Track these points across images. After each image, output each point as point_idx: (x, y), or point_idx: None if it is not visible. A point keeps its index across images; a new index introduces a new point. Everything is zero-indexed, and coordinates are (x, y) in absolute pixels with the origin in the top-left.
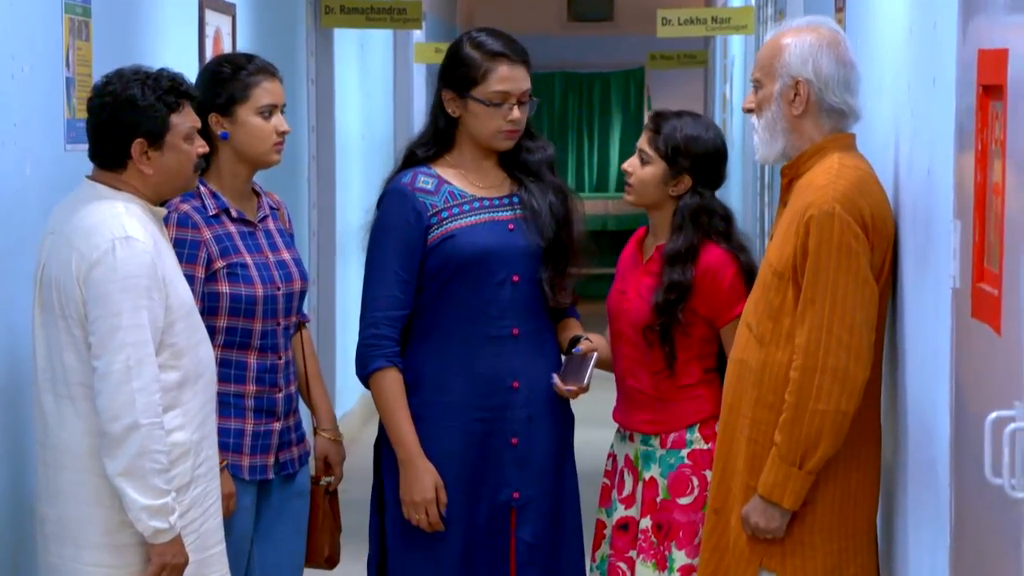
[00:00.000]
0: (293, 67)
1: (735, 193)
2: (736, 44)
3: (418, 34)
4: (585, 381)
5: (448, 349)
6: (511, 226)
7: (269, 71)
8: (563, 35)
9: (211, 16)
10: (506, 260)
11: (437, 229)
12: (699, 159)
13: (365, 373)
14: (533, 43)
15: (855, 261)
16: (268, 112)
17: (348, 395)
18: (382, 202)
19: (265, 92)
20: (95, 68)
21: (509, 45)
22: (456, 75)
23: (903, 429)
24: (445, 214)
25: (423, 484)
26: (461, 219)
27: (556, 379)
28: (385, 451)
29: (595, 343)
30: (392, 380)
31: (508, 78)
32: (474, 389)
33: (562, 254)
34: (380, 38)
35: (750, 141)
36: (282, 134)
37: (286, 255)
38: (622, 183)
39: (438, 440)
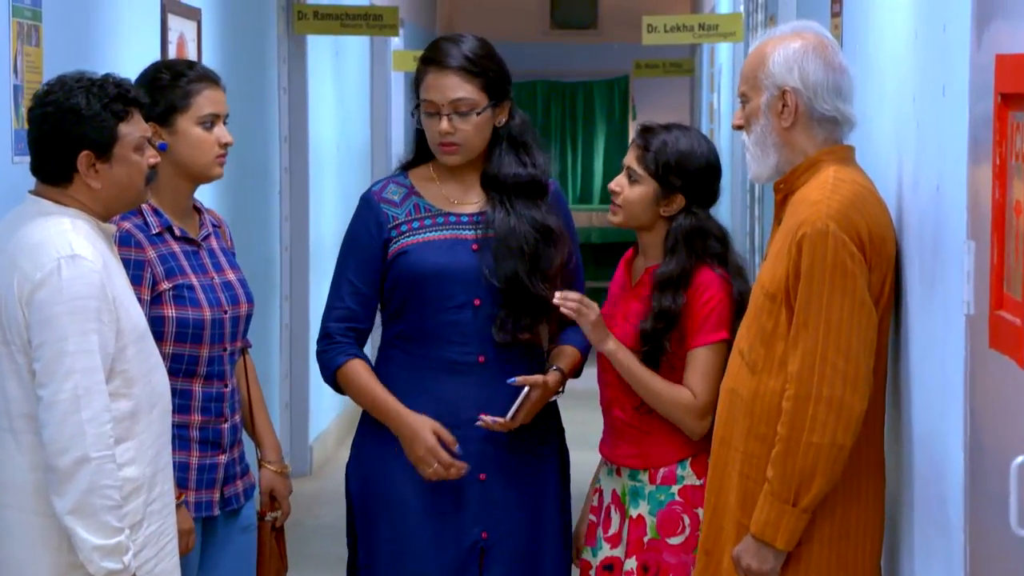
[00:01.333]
0: (264, 75)
1: (723, 208)
2: (724, 52)
3: (396, 41)
4: (508, 415)
5: (410, 372)
6: (475, 246)
7: (211, 78)
8: (545, 42)
9: (174, 21)
10: (465, 282)
11: (395, 243)
12: (692, 177)
13: (331, 373)
14: (515, 50)
15: (851, 282)
16: (210, 122)
17: (322, 416)
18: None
19: (207, 101)
20: (46, 75)
21: (442, 50)
22: (415, 90)
23: (909, 464)
24: (404, 227)
25: (420, 436)
26: (418, 234)
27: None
28: (354, 487)
29: (536, 378)
30: (360, 366)
31: (432, 86)
32: (436, 418)
33: (521, 294)
34: (356, 45)
35: (739, 152)
36: (225, 146)
37: (231, 275)
38: (607, 195)
39: (400, 473)
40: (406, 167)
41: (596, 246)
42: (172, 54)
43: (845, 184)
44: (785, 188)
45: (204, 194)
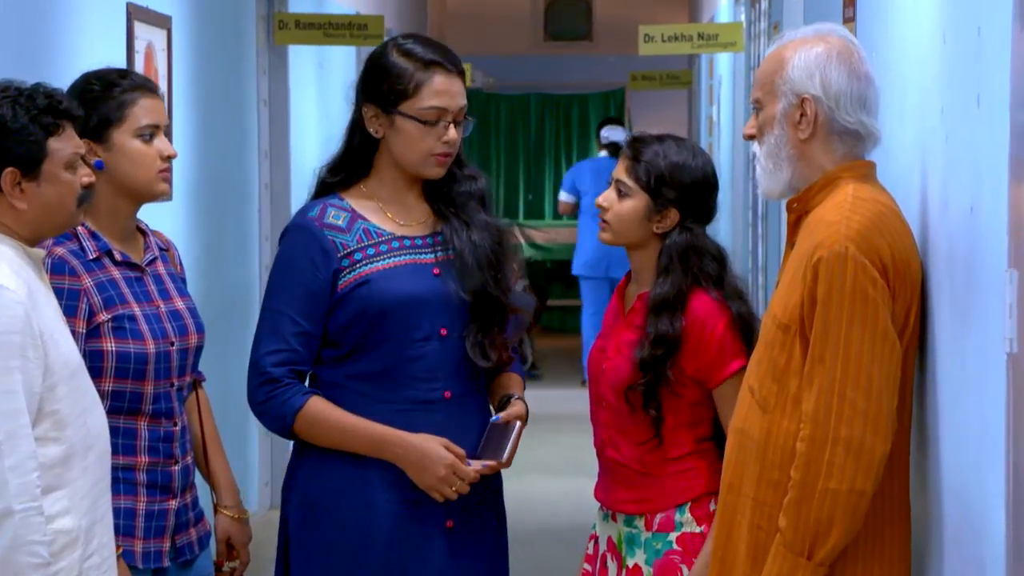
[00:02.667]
0: (242, 87)
1: (723, 226)
2: (724, 63)
3: None
4: (505, 456)
5: (369, 417)
6: (436, 271)
7: (147, 87)
8: (539, 54)
9: (142, 29)
10: (432, 311)
11: (348, 273)
12: (687, 190)
13: (290, 417)
14: (508, 63)
15: (872, 311)
16: (149, 134)
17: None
18: (284, 239)
19: (144, 111)
20: None
21: (444, 53)
22: (381, 87)
23: (938, 518)
24: (359, 255)
25: (434, 455)
26: (377, 261)
27: (471, 461)
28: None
29: (519, 410)
30: (322, 403)
31: (444, 91)
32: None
33: (491, 308)
34: (341, 56)
35: (740, 167)
36: (168, 159)
37: (179, 304)
38: None
39: (359, 527)
40: (336, 187)
41: None
42: (139, 65)
43: (865, 203)
44: (799, 208)
45: (176, 214)
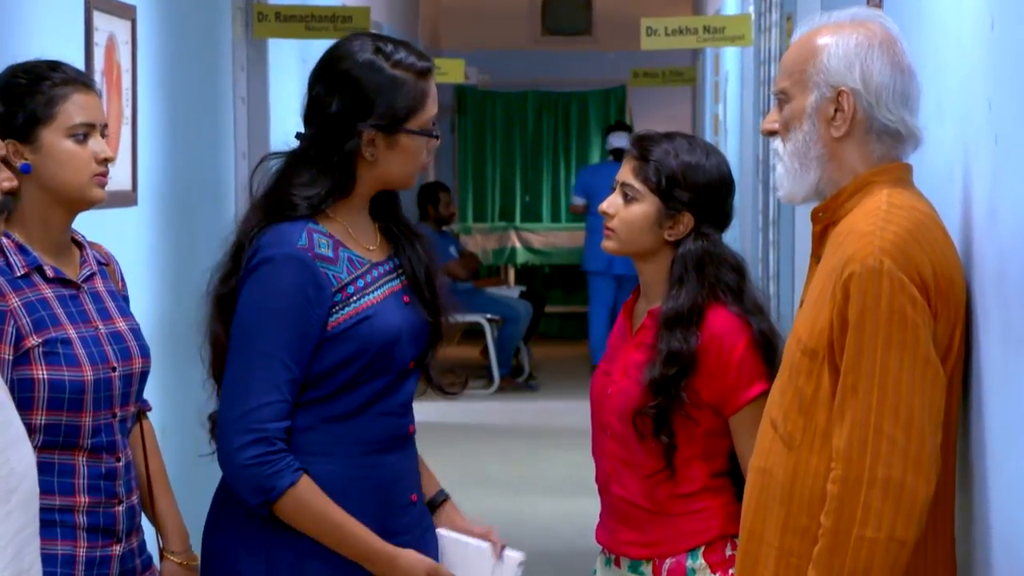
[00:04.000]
0: (217, 84)
1: (731, 231)
2: (731, 58)
3: None
4: None
5: (339, 463)
6: (406, 298)
7: (82, 81)
8: (537, 50)
9: (102, 20)
10: (407, 342)
11: (343, 309)
12: (701, 191)
13: (277, 494)
14: (504, 58)
15: (912, 334)
16: (83, 134)
17: None
18: (267, 268)
19: (77, 108)
20: None
21: (424, 55)
22: (388, 108)
23: (987, 570)
24: (351, 289)
25: None
26: (369, 294)
27: None
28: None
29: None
30: (312, 486)
31: (435, 95)
32: (375, 508)
33: (438, 327)
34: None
35: (749, 169)
36: (104, 162)
37: (121, 325)
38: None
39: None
40: (311, 214)
41: None
42: (99, 60)
43: (901, 211)
44: (826, 217)
45: (142, 220)
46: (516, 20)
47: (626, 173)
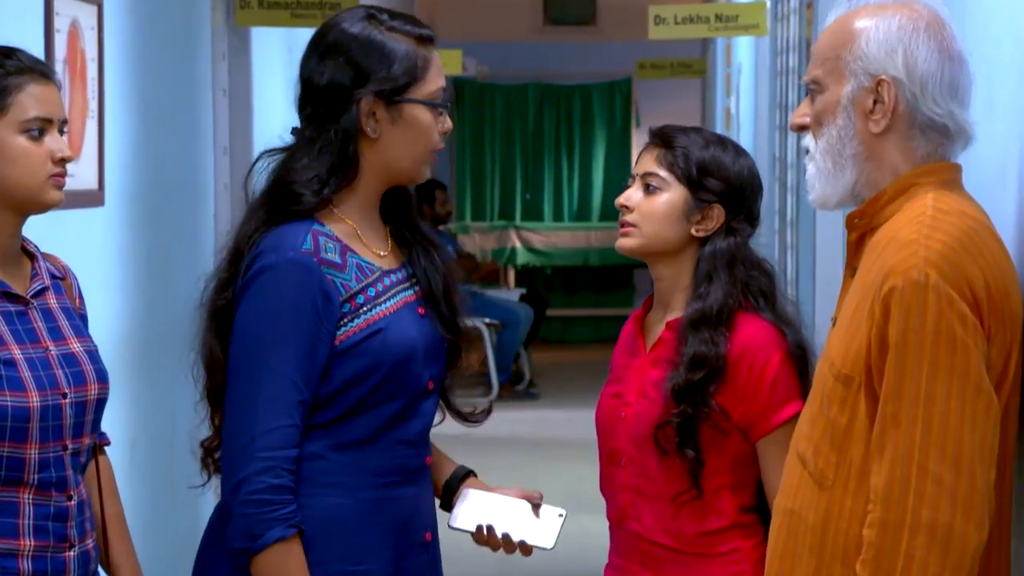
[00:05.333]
0: (194, 75)
1: None
2: (743, 49)
3: None
4: (552, 543)
5: (350, 497)
6: (421, 310)
7: (39, 71)
8: (539, 40)
9: (64, 4)
10: (425, 359)
11: (353, 321)
12: (733, 185)
13: (257, 544)
14: (504, 49)
15: (962, 357)
16: (38, 130)
17: None
18: (269, 276)
19: (33, 101)
20: None
21: (424, 24)
22: (384, 73)
23: None
24: (361, 298)
25: None
26: (380, 304)
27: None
28: None
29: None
30: (296, 557)
31: (442, 68)
32: (387, 547)
33: (458, 343)
34: None
35: (763, 166)
36: (62, 161)
37: (75, 346)
38: (607, 210)
39: None
40: (311, 209)
41: (594, 269)
42: (60, 48)
43: (949, 217)
44: (863, 223)
45: (110, 222)
46: (516, 9)
47: (647, 163)
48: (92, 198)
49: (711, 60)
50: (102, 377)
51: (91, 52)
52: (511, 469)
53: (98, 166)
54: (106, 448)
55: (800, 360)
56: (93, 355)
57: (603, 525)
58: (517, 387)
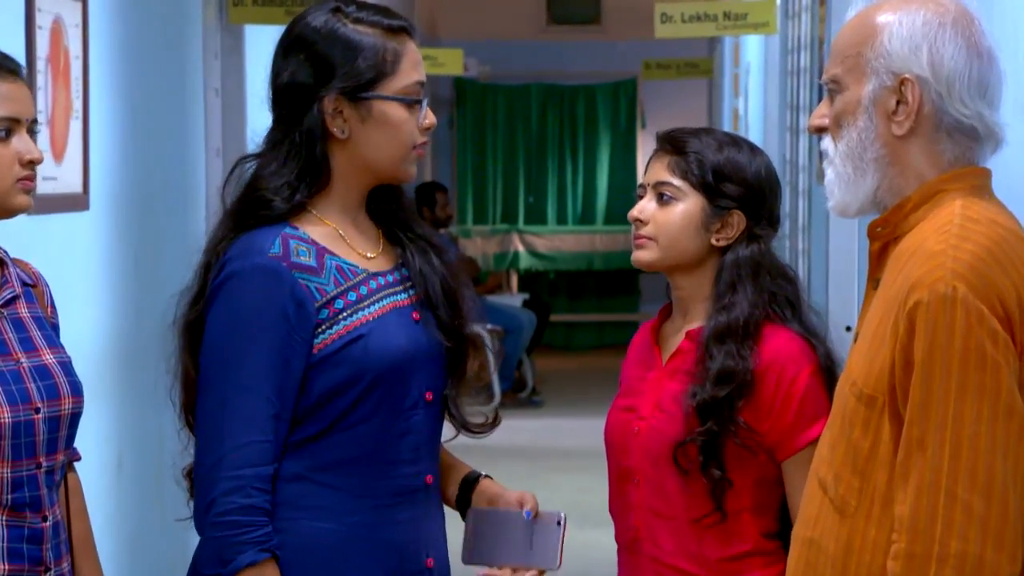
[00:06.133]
0: (185, 74)
1: None
2: (752, 48)
3: None
4: (558, 562)
5: (342, 519)
6: (416, 315)
7: (6, 68)
8: (542, 40)
9: (46, 0)
10: (420, 369)
11: (330, 328)
12: (752, 186)
13: (227, 570)
14: (506, 49)
15: (992, 377)
16: (5, 131)
17: None
18: (235, 283)
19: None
20: None
21: (399, 15)
22: (348, 69)
23: None
24: (339, 303)
25: None
26: (362, 309)
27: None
28: None
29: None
30: (272, 571)
31: (419, 62)
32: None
33: (461, 353)
34: None
35: (777, 167)
36: (30, 164)
37: (48, 358)
38: (611, 213)
39: None
40: (287, 213)
41: (599, 274)
42: (42, 45)
43: (979, 226)
44: (886, 232)
45: (96, 226)
46: (519, 7)
47: (659, 171)
48: (76, 202)
49: (718, 60)
50: (76, 390)
51: (75, 50)
52: (512, 480)
53: (83, 168)
54: (88, 465)
55: (830, 374)
56: (67, 367)
57: (609, 539)
58: (520, 395)
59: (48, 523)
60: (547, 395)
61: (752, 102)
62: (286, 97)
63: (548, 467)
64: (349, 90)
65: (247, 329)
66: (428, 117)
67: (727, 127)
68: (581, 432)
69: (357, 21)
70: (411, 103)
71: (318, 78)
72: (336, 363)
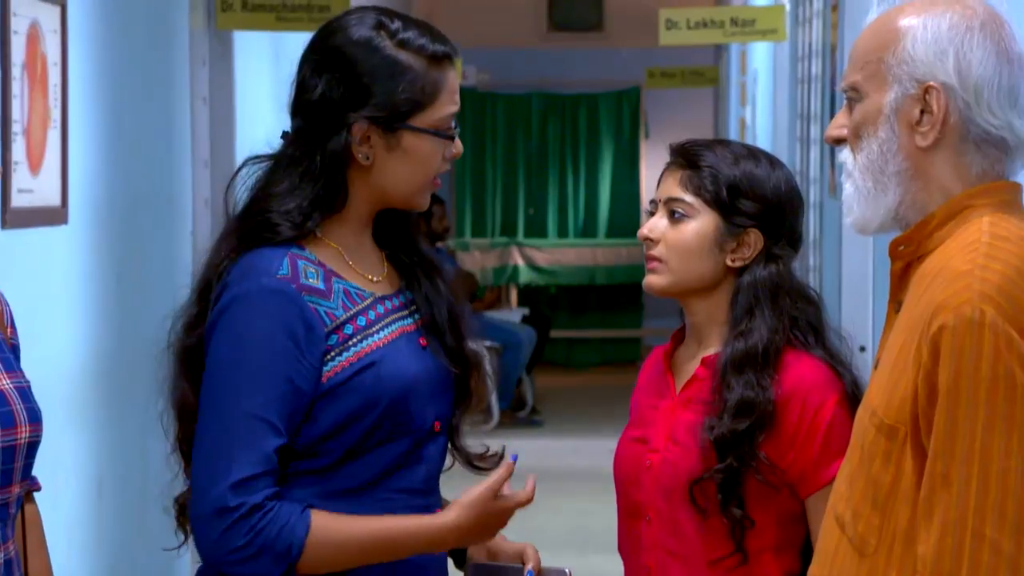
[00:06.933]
0: (172, 81)
1: None
2: (760, 55)
3: None
4: None
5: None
6: (423, 341)
7: None
8: (543, 47)
9: (23, 4)
10: (429, 397)
11: (342, 354)
12: (771, 203)
13: (294, 553)
14: (506, 56)
15: (1022, 407)
16: None
17: None
18: (242, 307)
19: None
20: None
21: (444, 38)
22: (386, 96)
23: None
24: (350, 328)
25: (469, 513)
26: (373, 334)
27: None
28: None
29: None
30: (322, 516)
31: (457, 89)
32: None
33: (467, 378)
34: (300, 44)
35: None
36: None
37: (4, 383)
38: (614, 226)
39: None
40: (296, 237)
41: (601, 289)
42: (19, 52)
43: (1008, 244)
44: (909, 251)
45: (76, 240)
46: (519, 14)
47: (671, 187)
48: (54, 215)
49: (725, 68)
50: (34, 417)
51: (53, 56)
52: None
53: (61, 180)
54: (67, 490)
55: (856, 403)
56: (24, 393)
57: (615, 564)
58: (519, 414)
59: (2, 558)
60: (547, 414)
61: (760, 112)
62: (312, 113)
63: (549, 490)
64: (383, 119)
65: (255, 355)
66: (456, 147)
67: (734, 137)
68: (583, 453)
69: (401, 44)
70: (443, 137)
71: (352, 101)
72: (348, 391)
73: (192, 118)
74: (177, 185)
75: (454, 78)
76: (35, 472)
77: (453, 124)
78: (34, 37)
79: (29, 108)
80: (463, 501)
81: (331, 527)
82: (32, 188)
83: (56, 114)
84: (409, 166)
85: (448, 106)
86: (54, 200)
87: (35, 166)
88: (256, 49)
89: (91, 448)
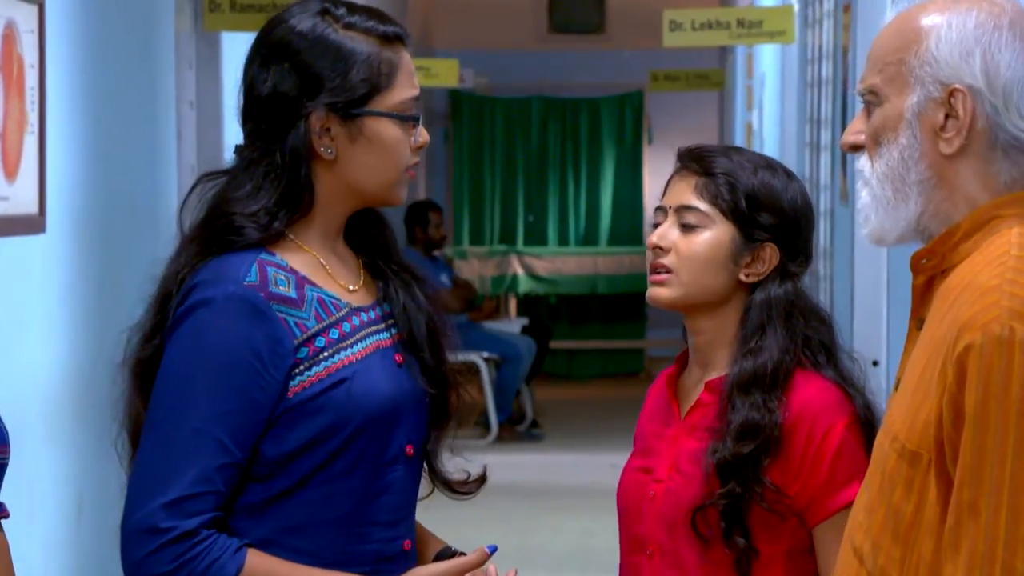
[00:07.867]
0: (156, 84)
1: None
2: (767, 58)
3: None
4: None
5: None
6: (399, 357)
7: None
8: (543, 50)
9: None
10: (404, 418)
11: (310, 369)
12: (788, 219)
13: None
14: (505, 59)
15: None
16: None
17: None
18: (200, 313)
19: None
20: None
21: (394, 21)
22: (338, 82)
23: None
24: (321, 340)
25: None
26: (347, 347)
27: None
28: None
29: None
30: (259, 558)
31: (414, 72)
32: None
33: (445, 399)
34: None
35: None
36: None
37: None
38: (616, 234)
39: None
40: (265, 240)
41: (603, 298)
42: None
43: None
44: (932, 265)
45: (54, 248)
46: (519, 15)
47: (683, 193)
48: (31, 224)
49: (730, 70)
50: (1, 439)
51: (30, 58)
52: (509, 521)
53: (38, 187)
54: (45, 510)
55: (868, 428)
56: None
57: None
58: (518, 427)
59: None
60: (548, 428)
61: (767, 116)
62: (265, 110)
63: (549, 507)
64: (340, 106)
65: (211, 365)
66: (422, 135)
67: (739, 142)
68: (585, 468)
69: (349, 27)
70: (406, 120)
71: (304, 91)
72: (316, 409)
73: (178, 123)
74: (161, 193)
75: (409, 61)
76: (9, 492)
77: (415, 110)
78: (9, 38)
79: (4, 112)
80: (419, 572)
81: (264, 572)
82: (8, 196)
83: (33, 118)
84: (375, 155)
85: (407, 89)
86: (31, 208)
87: (11, 172)
88: (244, 51)
89: (70, 466)
